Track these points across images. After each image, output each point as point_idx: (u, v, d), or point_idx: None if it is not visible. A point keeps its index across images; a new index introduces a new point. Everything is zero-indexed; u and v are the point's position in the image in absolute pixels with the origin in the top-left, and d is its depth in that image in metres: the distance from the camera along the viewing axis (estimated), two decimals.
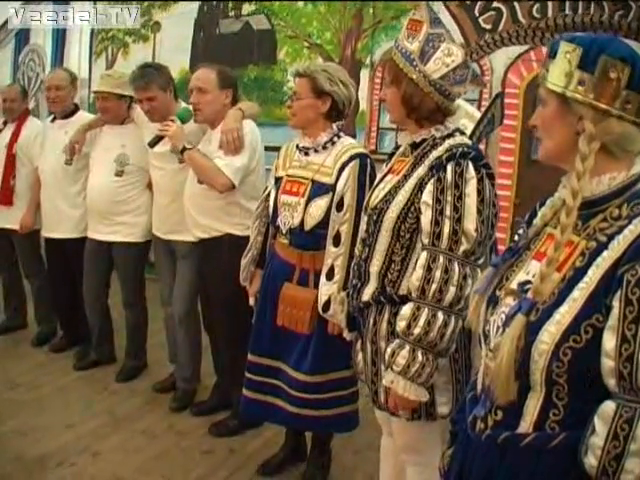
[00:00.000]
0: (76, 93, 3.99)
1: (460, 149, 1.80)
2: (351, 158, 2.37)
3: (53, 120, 3.94)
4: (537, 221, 1.29)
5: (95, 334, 3.88)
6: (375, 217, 1.92)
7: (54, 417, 3.26)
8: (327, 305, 2.33)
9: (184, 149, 2.90)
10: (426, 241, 1.79)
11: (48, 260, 4.04)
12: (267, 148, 3.03)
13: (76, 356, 3.98)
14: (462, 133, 1.94)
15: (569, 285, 1.11)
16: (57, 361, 3.98)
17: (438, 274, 1.73)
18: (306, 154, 2.48)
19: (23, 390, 3.56)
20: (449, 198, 1.76)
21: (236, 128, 2.86)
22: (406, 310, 1.77)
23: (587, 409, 1.08)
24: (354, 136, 3.58)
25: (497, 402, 1.19)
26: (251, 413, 2.75)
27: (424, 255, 1.78)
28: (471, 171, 1.77)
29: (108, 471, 2.81)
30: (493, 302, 1.25)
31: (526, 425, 1.15)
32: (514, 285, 1.22)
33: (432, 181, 1.80)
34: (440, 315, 1.73)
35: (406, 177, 1.89)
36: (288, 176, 2.51)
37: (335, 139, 2.46)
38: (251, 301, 2.74)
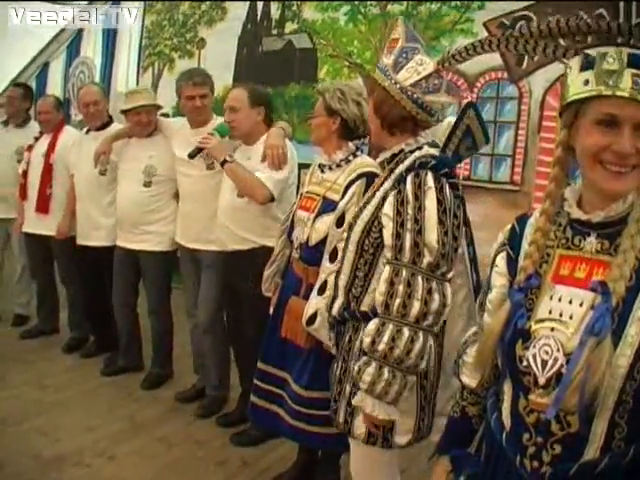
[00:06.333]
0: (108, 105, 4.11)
1: (419, 160, 1.80)
2: (359, 176, 2.36)
3: (87, 132, 4.03)
4: (532, 248, 1.24)
5: (123, 341, 3.95)
6: (347, 232, 1.95)
7: (76, 419, 3.33)
8: (312, 319, 2.29)
9: (225, 162, 2.97)
10: (389, 255, 1.78)
11: (81, 267, 4.11)
12: (306, 166, 3.06)
13: (104, 362, 4.05)
14: (434, 146, 1.93)
15: (628, 305, 1.10)
16: (86, 366, 4.08)
17: (401, 288, 1.70)
18: (322, 171, 2.53)
19: (50, 391, 3.65)
20: (409, 210, 1.75)
21: (281, 145, 2.97)
22: (371, 326, 1.75)
23: None
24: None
25: (572, 430, 1.13)
26: (257, 420, 2.76)
27: (387, 269, 1.76)
28: (429, 181, 1.76)
29: (121, 475, 2.86)
30: (523, 336, 1.18)
31: (593, 451, 1.12)
32: (542, 314, 1.18)
33: (393, 194, 1.80)
34: (406, 331, 1.69)
35: (375, 192, 1.91)
36: (306, 192, 2.56)
37: (351, 157, 2.47)
38: (271, 311, 2.75)
